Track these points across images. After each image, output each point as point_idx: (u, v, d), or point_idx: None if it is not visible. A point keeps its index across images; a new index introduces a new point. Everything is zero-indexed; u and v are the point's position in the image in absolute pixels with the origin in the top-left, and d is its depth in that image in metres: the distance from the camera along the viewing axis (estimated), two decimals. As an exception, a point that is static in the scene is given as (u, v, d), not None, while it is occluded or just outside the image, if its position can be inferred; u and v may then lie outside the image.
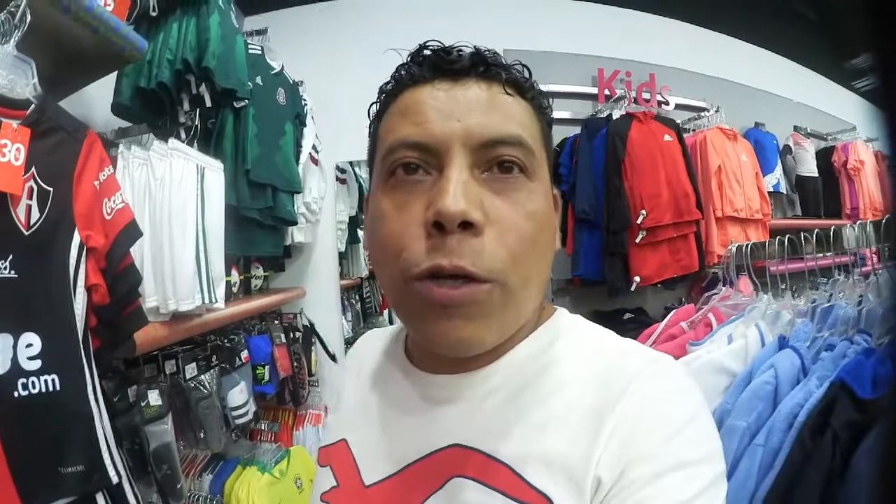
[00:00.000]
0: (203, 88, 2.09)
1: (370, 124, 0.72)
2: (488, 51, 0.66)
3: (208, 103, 2.13)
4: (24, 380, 1.09)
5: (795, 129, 4.35)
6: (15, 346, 1.09)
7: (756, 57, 4.14)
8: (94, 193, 1.27)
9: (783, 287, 2.06)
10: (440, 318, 0.58)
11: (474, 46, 0.65)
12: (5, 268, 1.10)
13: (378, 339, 0.88)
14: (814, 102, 4.51)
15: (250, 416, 2.29)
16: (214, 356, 2.19)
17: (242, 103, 2.27)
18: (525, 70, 0.68)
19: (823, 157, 4.39)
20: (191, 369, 2.02)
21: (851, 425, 1.25)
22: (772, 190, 3.81)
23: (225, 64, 2.09)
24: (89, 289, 1.24)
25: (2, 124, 1.11)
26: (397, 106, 0.66)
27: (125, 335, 1.37)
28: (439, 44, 0.66)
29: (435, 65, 0.64)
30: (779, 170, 3.96)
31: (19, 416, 1.08)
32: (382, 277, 0.64)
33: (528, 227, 0.60)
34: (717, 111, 3.56)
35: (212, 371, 2.11)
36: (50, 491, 1.11)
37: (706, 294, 2.19)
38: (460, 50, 0.64)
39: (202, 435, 2.05)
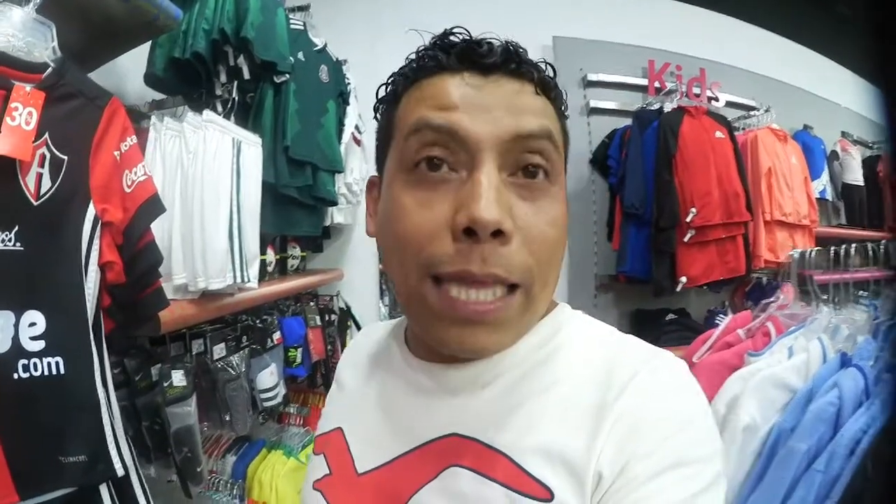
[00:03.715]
0: (241, 60, 1.95)
1: (378, 107, 0.69)
2: (517, 45, 0.62)
3: (246, 76, 1.99)
4: (24, 361, 0.99)
5: (843, 134, 4.09)
6: (17, 325, 0.99)
7: (806, 58, 3.84)
8: (114, 164, 1.13)
9: (824, 297, 2.00)
10: (462, 327, 0.56)
11: (504, 40, 0.61)
12: (9, 239, 0.99)
13: (377, 332, 0.85)
14: (861, 109, 4.21)
15: (279, 399, 2.16)
16: (245, 336, 2.06)
17: (283, 78, 2.13)
18: (549, 68, 0.64)
19: (869, 165, 4.12)
20: (219, 349, 1.89)
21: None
22: (818, 196, 3.58)
23: (265, 35, 1.96)
24: (103, 266, 1.11)
25: (14, 86, 1.00)
26: (421, 92, 0.61)
27: (142, 318, 1.25)
28: (465, 31, 0.62)
29: (464, 55, 0.60)
30: (825, 176, 3.75)
31: (18, 398, 0.98)
32: (396, 272, 0.61)
33: (551, 234, 0.58)
34: (766, 111, 3.35)
35: (241, 352, 1.98)
36: (48, 479, 1.01)
37: (763, 301, 2.05)
38: (490, 42, 0.61)
39: (228, 417, 1.92)
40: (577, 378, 0.60)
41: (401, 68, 0.66)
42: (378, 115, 0.69)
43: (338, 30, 2.85)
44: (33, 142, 1.01)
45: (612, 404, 0.55)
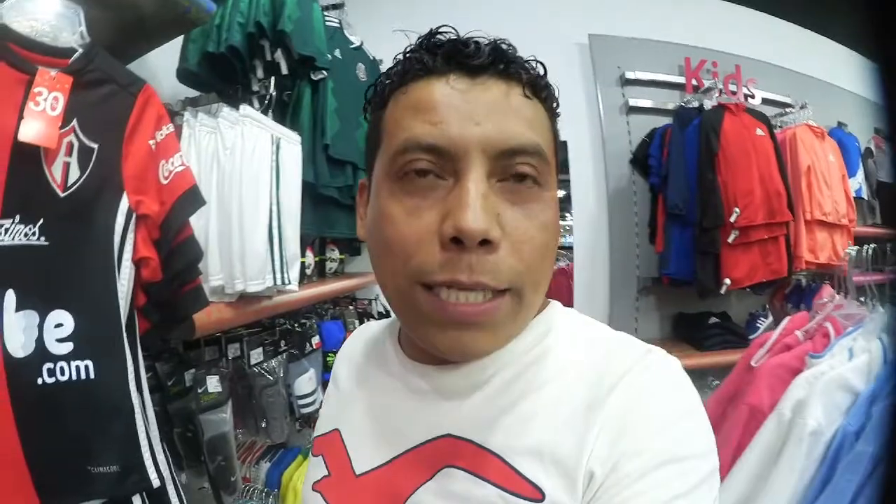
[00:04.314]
0: (279, 55, 1.84)
1: (366, 108, 0.67)
2: (507, 44, 0.59)
3: (284, 70, 1.88)
4: (50, 365, 0.89)
5: (876, 131, 3.83)
6: (41, 326, 0.89)
7: (838, 54, 3.75)
8: (149, 153, 1.02)
9: (861, 299, 1.95)
10: (454, 329, 0.55)
11: (493, 39, 0.58)
12: (33, 233, 0.88)
13: (371, 332, 0.83)
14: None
15: (318, 405, 2.03)
16: (283, 341, 1.94)
17: (321, 74, 2.02)
18: (540, 67, 0.61)
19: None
20: (256, 354, 1.78)
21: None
22: (854, 195, 3.40)
23: (302, 29, 1.86)
24: (138, 263, 1.00)
25: (38, 70, 0.91)
26: (408, 98, 0.58)
27: (179, 318, 1.13)
28: (452, 30, 0.60)
29: (450, 56, 0.57)
30: (860, 174, 3.56)
31: (43, 405, 0.88)
32: (385, 277, 0.60)
33: (541, 238, 0.57)
34: (802, 108, 3.19)
35: (279, 357, 1.86)
36: (75, 491, 0.93)
37: (818, 301, 1.94)
38: (478, 42, 0.58)
39: (264, 424, 1.82)
40: (568, 377, 0.58)
41: (388, 70, 0.62)
42: (367, 117, 0.67)
43: (372, 29, 2.72)
44: (60, 128, 0.91)
45: (602, 402, 0.54)
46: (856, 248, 2.07)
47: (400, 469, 0.63)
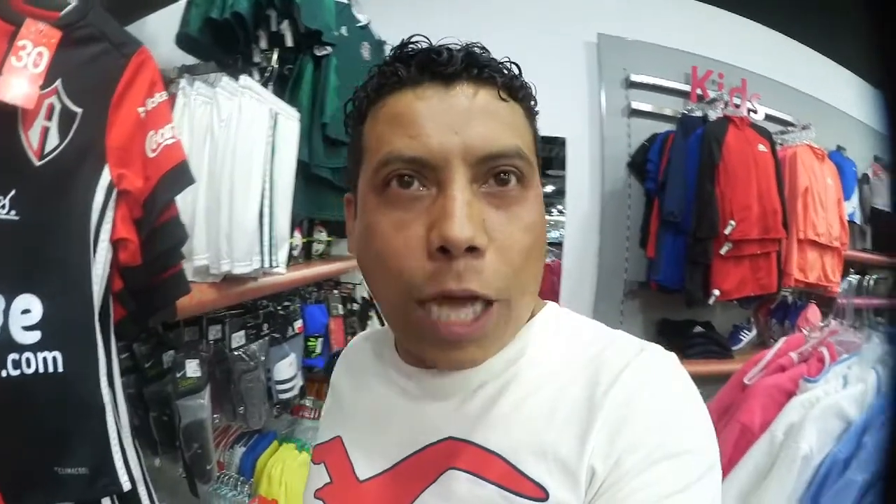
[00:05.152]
0: (285, 26, 1.75)
1: (347, 122, 0.65)
2: (479, 48, 0.59)
3: (289, 43, 1.80)
4: (15, 355, 0.80)
5: (876, 159, 3.86)
6: (6, 311, 0.81)
7: (845, 78, 3.75)
8: (137, 122, 0.93)
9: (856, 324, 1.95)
10: (448, 347, 0.54)
11: (465, 45, 0.58)
12: (2, 206, 0.80)
13: (369, 339, 0.81)
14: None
15: (296, 391, 1.98)
16: (266, 324, 1.86)
17: (326, 50, 1.93)
18: (514, 67, 0.61)
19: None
20: (238, 338, 1.69)
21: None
22: (847, 219, 3.43)
23: (312, 2, 1.77)
24: (115, 244, 0.90)
25: (24, 22, 0.81)
26: (385, 111, 0.58)
27: (158, 306, 1.03)
28: (425, 39, 0.59)
29: (424, 66, 0.56)
30: (855, 199, 3.60)
31: (7, 399, 0.80)
32: (380, 294, 0.60)
33: (527, 240, 0.56)
34: (804, 128, 3.20)
35: (261, 340, 1.78)
36: (42, 494, 0.85)
37: (804, 318, 1.96)
38: (450, 49, 0.57)
39: (242, 410, 1.73)
40: (567, 375, 0.58)
41: (364, 84, 0.61)
42: (348, 132, 0.65)
43: (378, 9, 2.64)
44: (41, 88, 0.81)
45: (602, 399, 0.53)
46: (857, 276, 2.06)
47: (403, 474, 0.63)
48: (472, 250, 0.52)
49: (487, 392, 0.61)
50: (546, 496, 0.52)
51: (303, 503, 0.74)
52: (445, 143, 0.54)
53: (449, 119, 0.55)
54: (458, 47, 0.57)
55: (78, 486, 0.87)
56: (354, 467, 0.68)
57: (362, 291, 2.80)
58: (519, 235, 0.55)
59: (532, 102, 0.62)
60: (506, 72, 0.59)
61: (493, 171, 0.55)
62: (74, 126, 0.85)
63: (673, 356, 0.59)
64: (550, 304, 0.68)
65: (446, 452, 0.60)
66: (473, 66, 0.56)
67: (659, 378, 0.56)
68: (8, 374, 0.79)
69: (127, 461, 0.93)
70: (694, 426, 0.53)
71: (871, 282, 2.04)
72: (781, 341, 1.89)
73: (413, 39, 0.59)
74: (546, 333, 0.64)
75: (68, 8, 0.87)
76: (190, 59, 1.71)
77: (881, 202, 3.74)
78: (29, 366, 0.81)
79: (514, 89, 0.59)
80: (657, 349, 0.59)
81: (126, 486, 0.91)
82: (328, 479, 0.70)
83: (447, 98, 0.56)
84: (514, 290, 0.56)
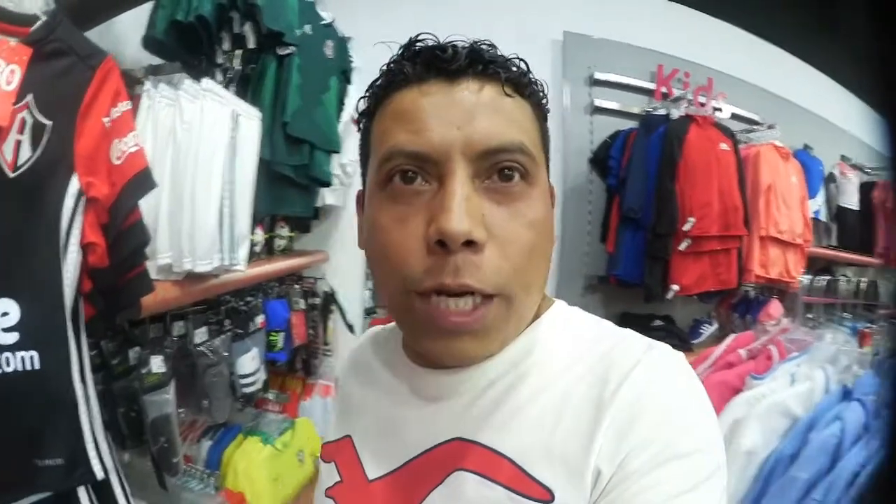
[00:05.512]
0: (247, 28, 1.83)
1: (358, 121, 0.68)
2: (486, 44, 0.60)
3: (251, 44, 1.88)
4: None
5: (842, 158, 4.04)
6: None
7: (812, 78, 3.78)
8: (102, 132, 1.00)
9: (809, 316, 2.23)
10: (446, 337, 0.57)
11: (471, 42, 0.60)
12: None
13: (378, 336, 0.83)
14: (863, 134, 4.19)
15: (259, 385, 2.07)
16: (228, 320, 1.94)
17: (288, 50, 2.00)
18: (523, 64, 0.62)
19: (865, 191, 4.07)
20: (201, 334, 1.78)
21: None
22: (812, 216, 3.54)
23: (274, 3, 1.85)
24: (85, 248, 0.97)
25: None
26: (391, 107, 0.60)
27: (124, 304, 1.11)
28: (432, 37, 0.61)
29: (429, 63, 0.59)
30: (821, 197, 3.72)
31: None
32: (383, 286, 0.62)
33: (529, 237, 0.57)
34: (770, 127, 3.29)
35: (224, 336, 1.86)
36: (22, 485, 0.92)
37: (764, 323, 2.01)
38: (455, 46, 0.59)
39: (206, 404, 1.82)
40: (575, 374, 0.59)
41: (373, 81, 0.64)
42: (359, 128, 0.67)
43: (345, 5, 2.70)
44: (14, 104, 0.87)
45: (611, 397, 0.54)
46: (808, 276, 2.16)
47: (412, 474, 0.64)
48: (470, 245, 0.54)
49: (496, 392, 0.62)
50: (552, 498, 0.53)
51: (314, 501, 0.76)
52: (447, 138, 0.55)
53: (452, 114, 0.56)
54: (464, 44, 0.59)
55: (56, 476, 0.93)
56: (364, 467, 0.69)
57: (324, 286, 2.86)
58: (521, 232, 0.57)
59: (542, 100, 0.64)
60: (514, 68, 0.60)
61: (495, 167, 0.56)
62: (45, 138, 0.91)
63: (681, 355, 0.60)
64: (559, 303, 0.69)
65: (454, 453, 0.61)
66: (478, 62, 0.58)
67: (668, 377, 0.57)
68: None
69: (100, 452, 1.00)
70: (702, 425, 0.55)
71: (840, 280, 2.14)
72: (730, 338, 1.99)
73: (420, 38, 0.61)
74: (554, 332, 0.65)
75: (38, 24, 0.92)
76: (157, 59, 1.77)
77: (847, 201, 3.88)
78: (9, 365, 0.87)
79: (521, 86, 0.60)
80: (666, 348, 0.60)
81: (100, 475, 0.99)
82: (338, 479, 0.72)
83: (451, 94, 0.57)
84: (516, 286, 0.56)
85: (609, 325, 0.66)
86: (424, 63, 0.58)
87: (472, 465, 0.59)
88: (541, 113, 0.63)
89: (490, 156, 0.56)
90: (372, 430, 0.72)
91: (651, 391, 0.55)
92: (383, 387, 0.74)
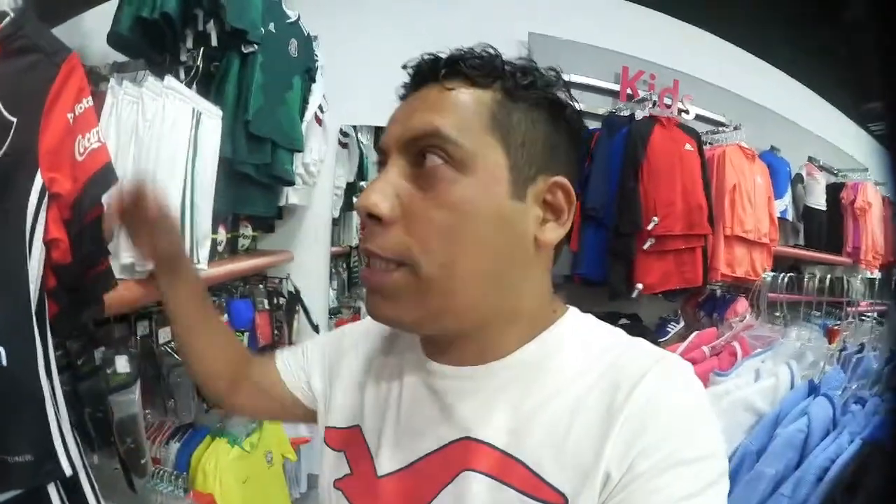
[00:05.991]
0: (210, 26, 1.85)
1: None
2: (463, 51, 0.66)
3: (214, 43, 1.89)
4: None
5: (810, 159, 4.21)
6: None
7: (779, 81, 3.96)
8: (66, 128, 1.01)
9: (777, 314, 2.10)
10: (368, 295, 0.66)
11: (450, 51, 0.67)
12: None
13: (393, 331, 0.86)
14: (830, 137, 4.37)
15: (225, 386, 2.05)
16: (192, 319, 1.94)
17: (252, 48, 2.02)
18: (496, 59, 0.66)
19: (832, 191, 4.29)
20: (165, 333, 1.79)
21: (886, 488, 1.17)
22: (779, 216, 3.66)
23: (238, 1, 1.86)
24: (48, 243, 0.99)
25: None
26: None
27: (88, 301, 1.13)
28: (430, 56, 0.68)
29: (411, 78, 0.70)
30: (788, 197, 3.84)
31: None
32: None
33: (443, 217, 0.61)
34: (736, 129, 3.38)
35: (189, 335, 1.86)
36: None
37: (729, 320, 2.06)
38: (426, 58, 0.68)
39: (171, 404, 1.85)
40: (587, 380, 0.62)
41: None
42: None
43: (310, 5, 2.73)
44: None
45: (622, 403, 0.57)
46: (772, 273, 2.21)
47: (421, 473, 0.67)
48: (375, 218, 0.62)
49: (508, 395, 0.65)
50: (565, 501, 0.57)
51: (320, 487, 0.79)
52: (392, 134, 0.66)
53: (402, 116, 0.66)
54: (443, 56, 0.66)
55: (25, 473, 0.94)
56: (375, 461, 0.72)
57: (289, 286, 2.89)
58: (432, 212, 0.61)
59: (518, 89, 0.65)
60: (473, 65, 0.64)
61: (422, 153, 0.62)
62: (10, 135, 0.92)
63: (689, 366, 0.64)
64: (572, 309, 0.73)
65: (463, 453, 0.64)
66: (439, 69, 0.65)
67: (676, 386, 0.60)
68: None
69: (67, 449, 1.01)
70: (707, 434, 0.58)
71: (784, 280, 2.18)
72: (693, 335, 2.02)
73: (425, 56, 0.68)
74: (566, 338, 0.67)
75: (5, 21, 0.93)
76: (122, 58, 1.77)
77: (814, 201, 4.04)
78: None
79: (475, 78, 0.64)
80: (675, 358, 0.64)
81: (68, 471, 1.00)
82: (348, 471, 0.75)
83: (411, 100, 0.67)
84: (424, 261, 0.61)
85: (621, 333, 0.69)
86: (410, 78, 0.70)
87: (484, 467, 0.62)
88: (512, 101, 0.65)
89: (412, 143, 0.63)
90: (383, 423, 0.74)
91: (660, 399, 0.58)
92: (396, 379, 0.76)
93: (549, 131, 0.67)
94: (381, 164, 0.67)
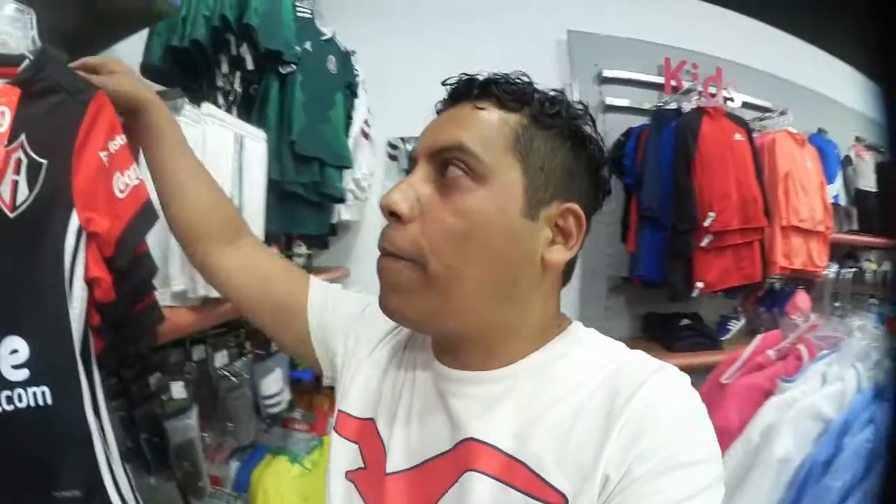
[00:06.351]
0: (244, 49, 1.82)
1: None
2: (498, 75, 0.70)
3: (249, 66, 1.86)
4: (8, 392, 0.86)
5: (857, 139, 3.91)
6: None
7: (820, 61, 3.73)
8: (100, 167, 0.97)
9: (837, 304, 2.19)
10: (380, 290, 0.70)
11: (490, 74, 0.71)
12: None
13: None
14: (874, 114, 4.07)
15: (284, 405, 2.08)
16: (249, 342, 1.95)
17: (289, 69, 2.00)
18: (528, 86, 0.71)
19: (880, 170, 3.97)
20: (221, 357, 1.78)
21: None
22: (832, 202, 3.43)
23: (269, 22, 1.84)
24: (90, 282, 0.96)
25: None
26: None
27: (136, 335, 1.11)
28: (467, 77, 0.72)
29: (449, 95, 0.74)
30: (839, 181, 3.61)
31: (4, 432, 0.86)
32: None
33: (454, 223, 0.64)
34: (782, 114, 3.20)
35: (245, 358, 1.88)
36: None
37: (792, 317, 1.94)
38: (464, 79, 0.72)
39: (230, 426, 1.83)
40: (589, 387, 0.64)
41: None
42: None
43: (344, 19, 2.70)
44: (6, 145, 0.86)
45: (621, 409, 0.59)
46: (833, 269, 2.07)
47: (427, 474, 0.69)
48: (395, 216, 0.66)
49: (514, 400, 0.67)
50: (565, 502, 0.59)
51: (329, 476, 0.79)
52: (422, 143, 0.70)
53: (434, 128, 0.70)
54: (481, 78, 0.71)
55: None
56: (387, 458, 0.73)
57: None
58: (445, 216, 0.65)
59: (544, 116, 0.69)
60: (506, 89, 0.69)
61: (445, 164, 0.67)
62: (41, 177, 0.90)
63: (686, 377, 0.65)
64: (576, 323, 0.76)
65: (467, 453, 0.66)
66: (473, 88, 0.70)
67: (674, 395, 0.62)
68: (3, 409, 0.85)
69: (117, 483, 0.98)
70: (703, 441, 0.60)
71: (865, 268, 2.04)
72: (758, 338, 1.90)
73: (462, 77, 0.73)
74: (570, 349, 0.70)
75: (25, 63, 0.91)
76: (159, 86, 1.76)
77: (865, 183, 3.76)
78: (21, 401, 0.86)
79: (504, 101, 0.69)
80: (673, 369, 0.65)
81: None
82: (362, 465, 0.76)
83: (445, 115, 0.72)
84: (433, 261, 0.65)
85: (621, 346, 0.71)
86: (447, 95, 0.74)
87: (488, 469, 0.64)
88: (537, 125, 0.68)
89: (438, 154, 0.68)
90: (395, 422, 0.75)
91: (658, 406, 0.60)
92: (410, 379, 0.78)
93: (568, 160, 0.70)
94: (410, 171, 0.71)
